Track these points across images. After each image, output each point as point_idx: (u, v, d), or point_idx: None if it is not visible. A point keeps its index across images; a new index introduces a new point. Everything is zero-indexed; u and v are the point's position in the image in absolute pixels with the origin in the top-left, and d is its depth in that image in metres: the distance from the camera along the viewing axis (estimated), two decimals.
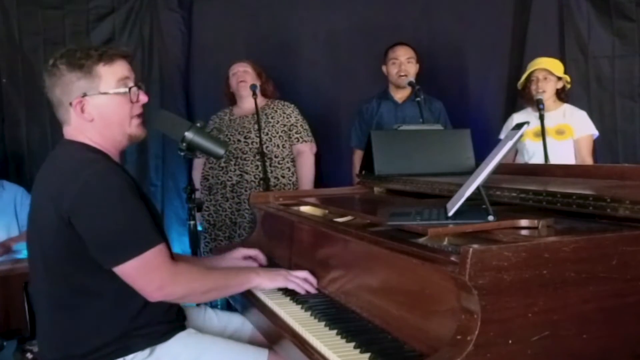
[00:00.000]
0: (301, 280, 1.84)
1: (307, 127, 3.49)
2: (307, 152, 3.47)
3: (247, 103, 3.42)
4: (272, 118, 3.41)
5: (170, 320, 1.74)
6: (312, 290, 1.83)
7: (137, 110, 1.75)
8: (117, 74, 1.70)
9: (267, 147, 3.34)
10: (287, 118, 3.44)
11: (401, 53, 3.52)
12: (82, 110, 1.68)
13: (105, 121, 1.70)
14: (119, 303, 1.63)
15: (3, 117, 3.95)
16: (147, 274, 1.59)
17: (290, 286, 1.83)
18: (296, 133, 3.44)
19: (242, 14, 4.17)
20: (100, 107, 1.69)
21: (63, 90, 1.68)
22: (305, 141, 3.46)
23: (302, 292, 1.82)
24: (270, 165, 3.36)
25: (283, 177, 3.41)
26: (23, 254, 3.24)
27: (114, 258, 1.57)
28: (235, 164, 3.34)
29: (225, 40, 4.11)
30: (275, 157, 3.39)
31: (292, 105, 3.49)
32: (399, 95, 3.57)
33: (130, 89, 1.72)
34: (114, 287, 1.62)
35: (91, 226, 1.56)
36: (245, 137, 3.36)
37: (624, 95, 3.86)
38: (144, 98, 1.76)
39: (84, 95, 1.67)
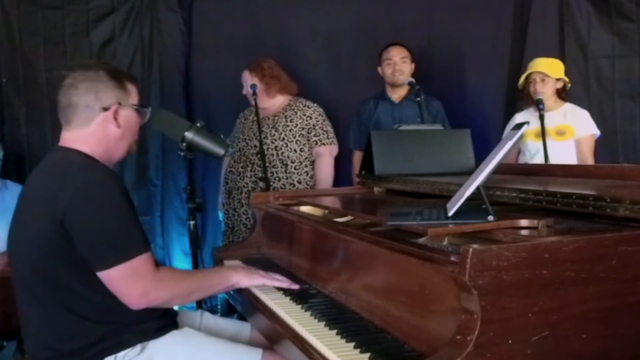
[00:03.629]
0: (276, 279, 1.90)
1: (328, 128, 3.42)
2: (325, 155, 3.41)
3: (264, 104, 3.37)
4: (291, 121, 3.35)
5: (161, 317, 1.75)
6: (294, 287, 1.88)
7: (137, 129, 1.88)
8: (136, 94, 1.83)
9: (282, 152, 3.31)
10: (307, 120, 3.37)
11: (395, 53, 3.53)
12: (116, 118, 1.75)
13: (125, 132, 1.79)
14: (107, 302, 1.63)
15: (3, 117, 3.95)
16: (132, 280, 1.60)
17: (268, 283, 1.89)
18: (315, 135, 3.38)
19: (242, 14, 4.16)
20: (126, 118, 1.78)
21: (97, 95, 1.72)
22: (324, 144, 3.39)
23: (285, 286, 1.88)
24: (286, 172, 3.33)
25: (299, 182, 3.36)
26: None
27: (103, 261, 1.58)
28: (251, 170, 3.32)
29: (225, 41, 4.11)
30: (292, 162, 3.34)
31: (314, 105, 3.42)
32: (396, 96, 3.58)
33: (143, 107, 1.84)
34: (102, 288, 1.61)
35: (83, 228, 1.57)
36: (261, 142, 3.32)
37: (624, 95, 3.86)
38: (146, 119, 1.90)
39: (119, 104, 1.75)
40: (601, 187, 1.71)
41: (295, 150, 3.35)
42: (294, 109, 3.38)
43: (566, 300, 1.18)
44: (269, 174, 3.27)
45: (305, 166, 3.38)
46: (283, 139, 3.32)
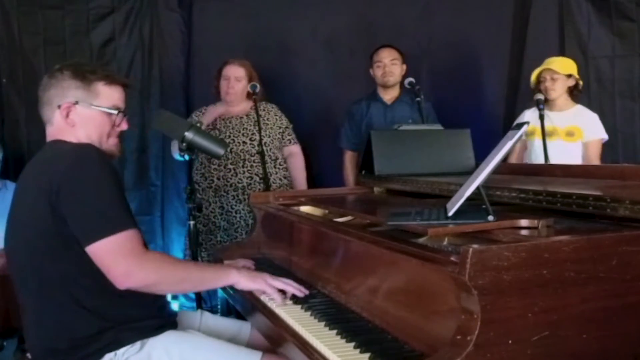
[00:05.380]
0: (282, 286, 1.80)
1: (292, 128, 3.57)
2: (299, 153, 3.55)
3: (238, 104, 3.42)
4: (268, 120, 3.42)
5: (158, 314, 1.75)
6: (300, 293, 1.79)
7: (115, 133, 1.84)
8: (112, 97, 1.80)
9: (270, 149, 3.36)
10: (280, 120, 3.48)
11: (385, 55, 3.56)
12: (67, 115, 1.75)
13: (86, 131, 1.77)
14: (107, 293, 1.63)
15: (3, 118, 3.94)
16: (117, 256, 1.58)
17: (268, 291, 1.78)
18: (288, 135, 3.50)
19: (242, 14, 4.17)
20: (84, 117, 1.77)
21: (57, 92, 1.76)
22: (296, 142, 3.55)
23: (279, 300, 1.76)
24: (274, 167, 3.39)
25: (285, 177, 3.47)
26: None
27: (89, 235, 1.58)
28: (243, 166, 3.35)
29: (225, 40, 4.11)
30: (277, 158, 3.43)
31: (276, 107, 3.52)
32: (388, 97, 3.61)
33: (118, 112, 1.81)
34: (101, 277, 1.61)
35: (74, 203, 1.59)
36: (250, 139, 3.35)
37: (624, 95, 3.86)
38: (124, 125, 1.86)
39: (76, 102, 1.75)
40: (601, 187, 1.71)
41: (277, 148, 3.46)
42: (265, 110, 3.44)
43: (566, 300, 1.18)
44: (262, 171, 3.28)
45: (284, 162, 3.50)
46: (269, 136, 3.39)
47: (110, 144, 1.83)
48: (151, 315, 1.72)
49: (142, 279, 1.61)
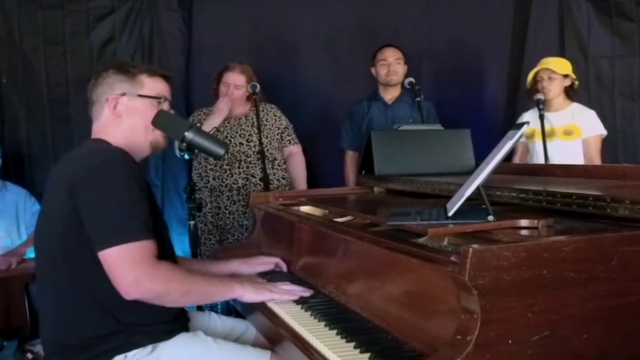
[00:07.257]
0: (285, 291, 1.83)
1: (292, 128, 3.56)
2: (299, 153, 3.54)
3: (237, 108, 3.41)
4: (267, 121, 3.43)
5: (173, 320, 1.75)
6: (295, 297, 1.82)
7: None
8: (156, 87, 1.89)
9: (268, 150, 3.36)
10: (279, 121, 3.48)
11: (389, 54, 3.57)
12: (115, 107, 1.81)
13: (132, 121, 1.83)
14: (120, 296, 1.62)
15: (3, 117, 3.94)
16: (127, 265, 1.57)
17: (275, 297, 1.81)
18: (288, 135, 3.50)
19: (242, 14, 4.17)
20: (131, 107, 1.83)
21: (104, 89, 1.83)
22: (296, 143, 3.53)
23: (294, 297, 1.81)
24: (272, 168, 3.39)
25: (284, 178, 3.46)
26: (26, 255, 3.26)
27: (102, 240, 1.57)
28: (239, 167, 3.35)
29: (225, 41, 4.11)
30: (275, 159, 3.43)
31: (276, 107, 3.52)
32: (389, 97, 3.62)
33: (164, 99, 1.91)
34: None
35: (91, 205, 1.59)
36: (247, 140, 3.36)
37: (624, 95, 3.87)
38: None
39: (123, 94, 1.82)
40: (601, 187, 1.71)
41: (276, 149, 3.46)
42: (264, 111, 3.44)
43: (566, 300, 1.18)
44: (259, 170, 3.30)
45: (283, 163, 3.50)
46: (267, 137, 3.39)
47: (155, 135, 1.88)
48: (165, 320, 1.71)
49: (150, 289, 1.60)
